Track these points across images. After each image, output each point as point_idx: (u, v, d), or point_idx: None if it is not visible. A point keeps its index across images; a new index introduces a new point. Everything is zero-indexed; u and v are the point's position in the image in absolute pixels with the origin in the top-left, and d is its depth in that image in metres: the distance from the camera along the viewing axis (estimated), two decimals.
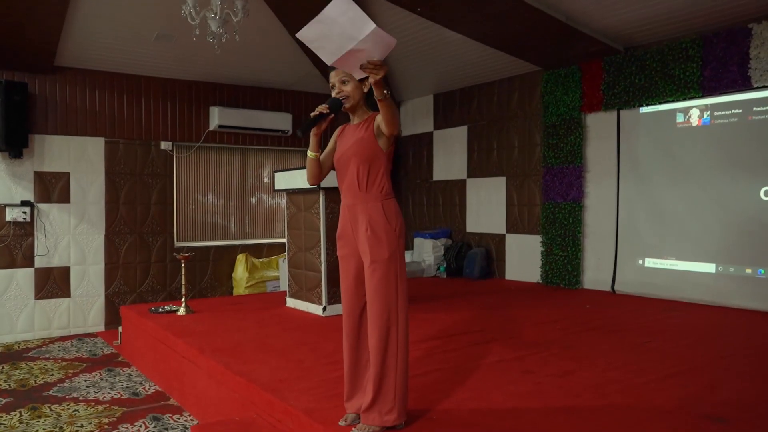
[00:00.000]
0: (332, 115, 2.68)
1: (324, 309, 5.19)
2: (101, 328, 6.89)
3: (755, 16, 5.17)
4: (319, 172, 2.84)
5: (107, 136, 6.92)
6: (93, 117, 6.83)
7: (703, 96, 5.54)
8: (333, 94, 2.72)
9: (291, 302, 5.67)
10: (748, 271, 5.31)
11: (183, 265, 5.48)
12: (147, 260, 7.16)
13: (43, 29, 5.63)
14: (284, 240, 8.09)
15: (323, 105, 2.66)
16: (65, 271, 6.70)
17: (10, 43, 5.77)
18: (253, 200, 8.06)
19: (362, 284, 2.70)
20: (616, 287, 6.25)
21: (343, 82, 2.69)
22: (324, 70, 7.47)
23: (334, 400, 3.02)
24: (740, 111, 5.37)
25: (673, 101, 5.78)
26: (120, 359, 5.62)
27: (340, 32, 2.33)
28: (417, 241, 8.37)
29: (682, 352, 3.90)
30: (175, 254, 5.62)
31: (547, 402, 2.98)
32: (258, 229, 8.07)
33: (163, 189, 7.27)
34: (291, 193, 5.63)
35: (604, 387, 3.19)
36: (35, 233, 6.53)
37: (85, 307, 6.81)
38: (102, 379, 4.96)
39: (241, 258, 7.67)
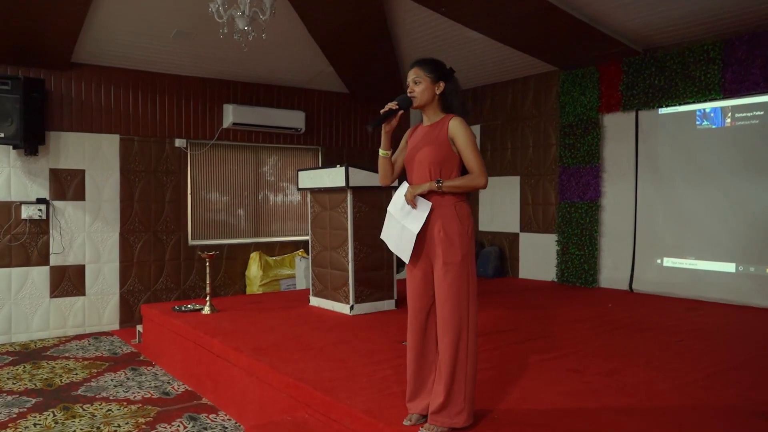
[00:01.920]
0: (401, 112, 2.70)
1: (351, 308, 5.20)
2: (116, 326, 6.84)
3: None
4: (391, 171, 2.83)
5: (122, 133, 6.86)
6: (108, 114, 6.77)
7: (724, 98, 5.61)
8: (407, 93, 2.74)
9: (315, 301, 5.67)
10: None
11: (208, 264, 5.45)
12: (161, 258, 7.12)
13: (64, 27, 5.57)
14: (298, 238, 8.13)
15: (393, 102, 2.67)
16: (80, 270, 6.64)
17: (30, 40, 5.70)
18: (266, 198, 8.03)
19: (430, 285, 2.70)
20: (634, 286, 6.32)
21: (415, 82, 2.71)
22: (338, 69, 7.48)
23: (390, 399, 3.04)
24: (762, 113, 5.44)
25: (693, 102, 5.84)
26: (142, 358, 5.59)
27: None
28: None
29: (717, 352, 3.96)
30: (199, 252, 5.59)
31: (601, 402, 3.01)
32: (271, 227, 8.05)
33: (177, 186, 7.23)
34: (315, 192, 5.62)
35: (653, 386, 3.23)
36: (50, 231, 6.46)
37: (99, 306, 6.75)
38: (128, 379, 4.93)
39: (254, 256, 7.65)
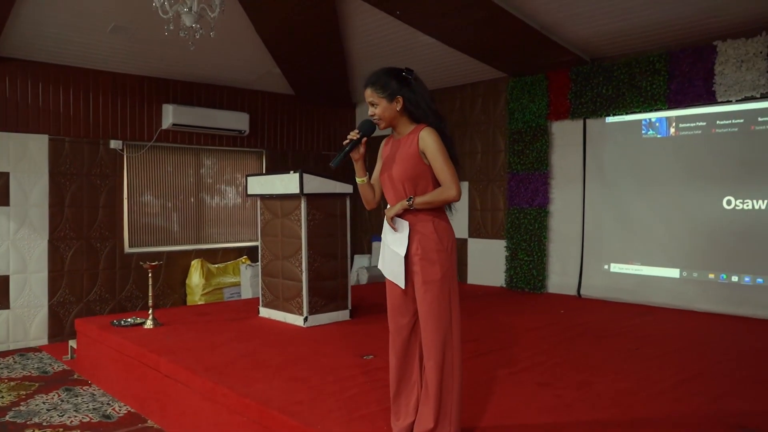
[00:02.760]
0: (365, 139, 2.58)
1: (305, 320, 5.00)
2: (44, 341, 6.34)
3: (720, 34, 5.44)
4: (373, 195, 2.72)
5: (51, 133, 6.37)
6: (36, 112, 6.27)
7: (669, 108, 5.78)
8: (368, 112, 2.60)
9: (265, 312, 5.43)
10: (711, 276, 5.58)
11: (150, 275, 5.11)
12: (95, 267, 6.67)
13: None
14: (241, 244, 7.83)
15: (354, 131, 2.54)
16: (4, 281, 6.11)
17: None
18: (207, 203, 7.68)
19: (411, 303, 2.58)
20: (582, 291, 6.42)
21: (372, 104, 2.57)
22: (285, 70, 7.24)
23: (363, 422, 2.89)
24: (704, 124, 5.63)
25: (639, 112, 5.99)
26: (76, 377, 5.19)
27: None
28: (376, 245, 8.29)
29: (675, 359, 4.02)
30: (141, 263, 5.24)
31: (576, 417, 2.97)
32: (213, 233, 7.71)
33: (112, 191, 6.79)
34: (266, 198, 5.39)
35: (623, 399, 3.22)
36: None
37: (26, 319, 6.24)
38: (62, 401, 4.55)
39: (195, 264, 7.30)
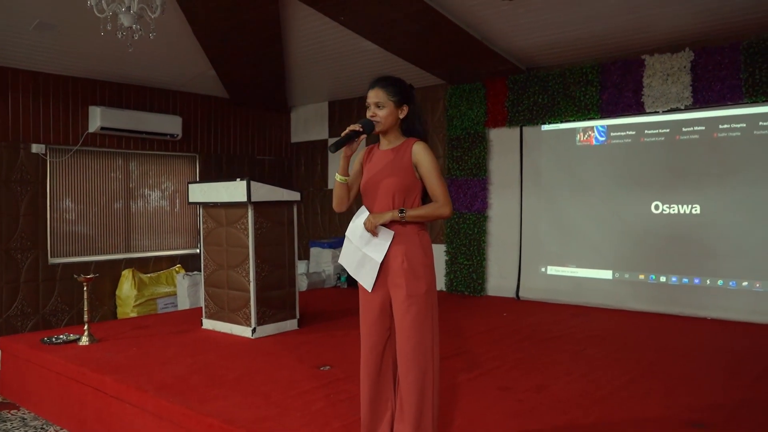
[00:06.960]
0: (364, 135, 2.53)
1: (253, 331, 4.88)
2: None
3: (647, 48, 5.77)
4: (348, 197, 2.65)
5: None
6: None
7: (601, 117, 6.06)
8: (367, 115, 2.56)
9: (209, 324, 5.25)
10: (641, 277, 5.90)
11: (86, 289, 4.83)
12: (15, 280, 6.22)
13: None
14: (174, 252, 7.55)
15: (356, 124, 2.48)
16: None
17: None
18: (137, 210, 7.34)
19: (387, 318, 2.56)
20: (520, 294, 6.62)
21: (377, 106, 2.53)
22: (220, 72, 7.04)
23: None
24: (633, 133, 5.95)
25: (573, 121, 6.25)
26: (1, 400, 4.82)
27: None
28: (314, 250, 8.20)
29: (619, 359, 4.22)
30: (75, 276, 4.92)
31: (541, 422, 3.05)
32: (144, 241, 7.38)
33: (34, 198, 6.37)
34: (209, 206, 5.21)
35: (581, 401, 3.34)
36: None
37: None
38: None
39: (126, 274, 6.96)
